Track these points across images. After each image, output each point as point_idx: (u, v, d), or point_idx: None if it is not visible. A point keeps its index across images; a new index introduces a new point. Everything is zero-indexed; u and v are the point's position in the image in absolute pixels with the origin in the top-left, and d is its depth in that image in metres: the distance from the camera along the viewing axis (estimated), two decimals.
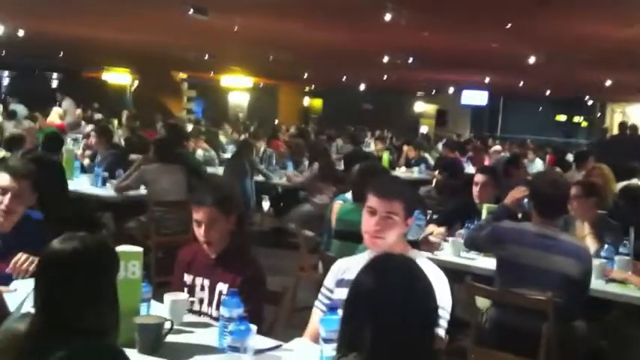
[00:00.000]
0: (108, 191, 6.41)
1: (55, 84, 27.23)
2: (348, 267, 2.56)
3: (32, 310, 1.87)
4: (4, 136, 8.53)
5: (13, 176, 3.00)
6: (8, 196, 2.97)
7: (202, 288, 2.88)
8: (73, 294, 1.79)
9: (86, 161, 7.64)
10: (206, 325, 2.69)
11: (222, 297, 2.72)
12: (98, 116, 14.67)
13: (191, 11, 9.03)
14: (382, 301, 1.63)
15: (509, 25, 8.71)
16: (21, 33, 12.78)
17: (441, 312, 2.22)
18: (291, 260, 6.62)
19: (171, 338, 2.46)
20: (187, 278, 2.94)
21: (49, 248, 1.85)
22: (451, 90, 23.57)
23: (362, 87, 24.18)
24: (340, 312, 1.96)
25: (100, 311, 1.82)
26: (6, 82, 27.45)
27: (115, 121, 14.41)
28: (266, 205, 9.34)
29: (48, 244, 1.86)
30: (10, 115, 11.84)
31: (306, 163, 9.21)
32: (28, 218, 3.15)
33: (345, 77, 21.34)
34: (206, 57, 15.87)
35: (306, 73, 20.82)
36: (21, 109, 13.23)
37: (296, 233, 7.75)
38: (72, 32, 13.20)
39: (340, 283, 2.54)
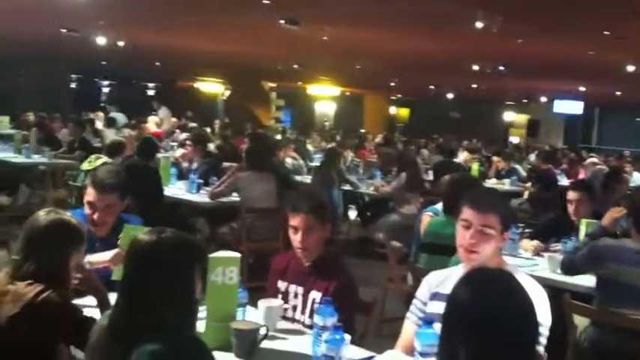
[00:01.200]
0: (202, 198, 6.61)
1: (151, 93, 28.34)
2: (443, 280, 2.53)
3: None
4: (105, 143, 8.97)
5: (99, 192, 3.12)
6: (97, 209, 3.12)
7: (296, 295, 2.93)
8: (151, 284, 1.84)
9: (185, 165, 7.89)
10: (300, 333, 2.73)
11: (315, 305, 2.75)
12: (192, 125, 15.16)
13: (282, 22, 9.23)
14: (479, 317, 1.59)
15: (607, 32, 8.38)
16: (121, 44, 13.44)
17: (541, 329, 2.16)
18: (379, 270, 6.60)
19: (265, 344, 2.51)
20: (281, 285, 2.99)
21: (133, 241, 1.93)
22: (543, 99, 22.87)
23: (450, 95, 23.86)
24: (437, 326, 1.95)
25: (177, 304, 1.86)
26: (106, 91, 28.82)
27: (208, 130, 14.83)
28: (353, 214, 9.35)
29: (133, 238, 1.94)
30: (110, 123, 12.43)
31: (395, 172, 9.16)
32: (126, 221, 3.26)
33: (432, 86, 21.13)
34: (295, 67, 16.12)
35: (393, 82, 20.76)
36: (120, 117, 13.88)
37: (383, 243, 7.77)
38: (168, 43, 13.75)
39: (435, 297, 2.51)
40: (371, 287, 4.65)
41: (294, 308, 2.91)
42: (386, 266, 5.36)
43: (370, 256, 7.60)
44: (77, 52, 16.21)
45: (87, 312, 2.39)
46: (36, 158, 9.07)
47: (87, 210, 3.15)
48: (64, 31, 11.62)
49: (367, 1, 7.86)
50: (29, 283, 2.25)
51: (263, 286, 3.16)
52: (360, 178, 9.11)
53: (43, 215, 2.42)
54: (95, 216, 3.11)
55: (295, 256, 2.95)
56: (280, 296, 2.95)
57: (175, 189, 6.95)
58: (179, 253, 1.91)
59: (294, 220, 2.89)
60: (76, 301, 2.50)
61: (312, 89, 23.48)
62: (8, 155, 9.10)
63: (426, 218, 4.51)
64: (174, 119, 15.39)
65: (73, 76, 22.14)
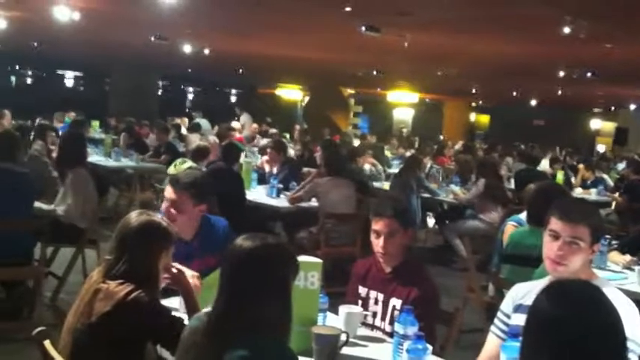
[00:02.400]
0: (281, 202, 6.71)
1: (233, 99, 29.02)
2: (528, 292, 2.46)
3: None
4: (190, 148, 9.24)
5: (171, 186, 3.23)
6: (169, 205, 3.21)
7: (376, 302, 2.92)
8: (249, 289, 1.87)
9: (267, 168, 8.04)
10: (380, 340, 2.72)
11: (396, 312, 2.74)
12: (272, 130, 15.40)
13: (363, 29, 9.24)
14: (561, 330, 1.54)
15: None
16: (206, 51, 13.82)
17: (630, 345, 2.06)
18: (456, 279, 6.50)
19: (345, 350, 2.51)
20: (362, 291, 2.99)
21: (232, 244, 1.96)
22: (633, 106, 21.89)
23: (533, 102, 23.20)
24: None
25: (275, 309, 1.88)
26: (190, 97, 29.73)
27: (287, 136, 15.05)
28: (431, 222, 9.25)
29: (232, 243, 1.97)
30: (194, 128, 12.79)
31: (474, 180, 9.00)
32: (212, 225, 3.37)
33: (515, 92, 20.61)
34: (374, 73, 16.10)
35: (474, 88, 20.39)
36: (204, 123, 14.26)
37: (457, 247, 7.63)
38: (251, 50, 14.05)
39: (518, 309, 2.45)
40: (449, 296, 4.58)
41: (374, 315, 2.90)
42: (464, 275, 5.27)
43: (448, 264, 7.50)
44: (165, 59, 16.80)
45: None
46: (124, 162, 9.45)
47: (164, 205, 3.26)
48: (154, 39, 12.06)
49: (450, 6, 7.76)
50: (120, 282, 2.33)
51: (341, 291, 3.17)
52: (439, 185, 9.00)
53: (134, 217, 2.50)
54: (170, 210, 3.20)
55: (376, 261, 2.94)
56: (360, 302, 2.95)
57: (256, 193, 7.08)
58: (277, 259, 1.93)
59: (377, 225, 2.88)
60: (163, 302, 2.58)
61: (391, 95, 23.37)
62: (99, 159, 9.53)
63: (510, 228, 4.41)
64: (255, 125, 15.67)
65: (160, 82, 22.92)
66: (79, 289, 2.55)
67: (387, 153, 13.08)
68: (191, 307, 2.53)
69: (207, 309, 2.00)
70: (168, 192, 3.23)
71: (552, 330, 1.55)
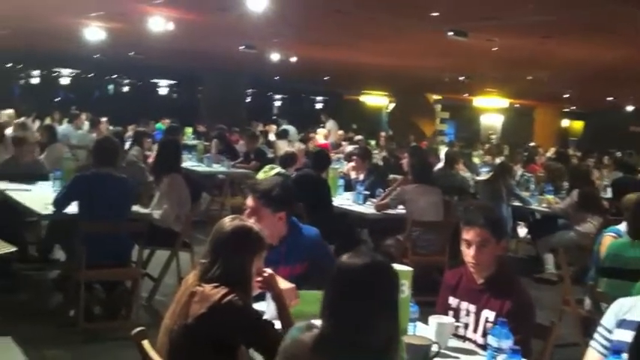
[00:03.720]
0: (368, 209, 6.70)
1: (319, 106, 29.30)
2: (631, 307, 2.35)
3: (315, 322, 1.97)
4: (278, 154, 9.40)
5: (251, 195, 3.27)
6: (249, 212, 3.24)
7: (467, 313, 2.86)
8: (361, 308, 1.86)
9: (352, 175, 8.07)
10: (471, 352, 2.66)
11: (488, 324, 2.68)
12: (357, 137, 15.43)
13: (450, 34, 9.12)
14: None
15: None
16: (293, 59, 14.04)
17: None
18: (548, 291, 6.29)
19: None
20: (452, 301, 2.94)
21: (339, 263, 1.94)
22: None
23: (629, 108, 22.18)
24: (625, 356, 1.82)
25: (384, 328, 1.87)
26: (277, 104, 30.26)
27: (373, 142, 15.03)
28: (522, 231, 8.98)
29: (338, 259, 1.95)
30: (282, 135, 13.01)
31: (567, 188, 8.68)
32: (301, 233, 3.40)
33: (611, 97, 19.76)
34: (461, 78, 15.87)
35: (567, 93, 19.71)
36: (291, 130, 14.48)
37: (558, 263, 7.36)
38: (337, 58, 14.16)
39: (621, 324, 2.34)
40: (542, 309, 4.44)
41: (466, 326, 2.85)
42: (557, 287, 5.09)
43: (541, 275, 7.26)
44: (253, 67, 17.20)
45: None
46: (216, 167, 9.74)
47: (246, 212, 3.30)
48: (243, 48, 12.37)
49: (540, 9, 7.55)
50: (215, 285, 2.39)
51: (427, 300, 3.12)
52: (530, 193, 8.73)
53: (228, 222, 2.56)
54: (246, 215, 3.23)
55: (467, 272, 2.88)
56: (451, 313, 2.90)
57: (342, 199, 7.11)
58: (387, 276, 1.92)
59: (468, 234, 2.82)
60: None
61: (479, 101, 22.93)
62: (192, 164, 9.85)
63: (608, 240, 4.23)
64: (340, 132, 15.76)
65: (248, 90, 23.44)
66: (173, 290, 2.64)
67: (475, 160, 12.82)
68: (283, 314, 2.56)
69: (309, 321, 2.00)
70: (248, 199, 3.29)
71: None
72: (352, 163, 8.47)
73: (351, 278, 1.89)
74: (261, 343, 2.35)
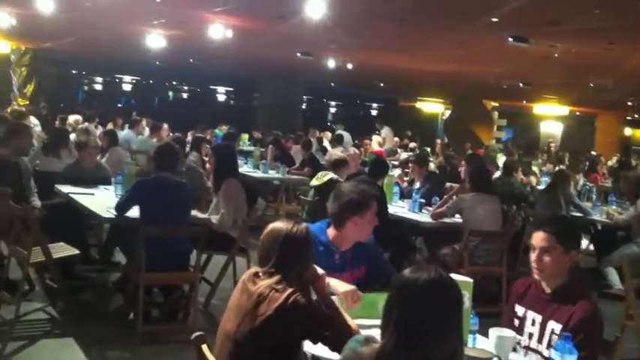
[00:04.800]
0: (423, 217, 6.62)
1: (374, 113, 29.24)
2: None
3: (375, 335, 1.96)
4: (329, 160, 9.40)
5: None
6: None
7: (533, 323, 2.79)
8: (426, 324, 1.83)
9: (405, 185, 8.01)
10: None
11: (554, 336, 2.61)
12: (413, 144, 15.33)
13: (511, 40, 8.96)
14: None
15: None
16: (349, 66, 14.06)
17: None
18: (611, 305, 6.07)
19: None
20: (519, 310, 2.88)
21: (402, 277, 1.92)
22: None
23: None
24: None
25: (448, 343, 1.84)
26: (332, 110, 30.35)
27: (428, 149, 14.90)
28: (583, 243, 8.71)
29: (400, 274, 1.93)
30: (337, 141, 13.02)
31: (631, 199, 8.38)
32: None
33: None
34: (520, 85, 15.58)
35: (631, 100, 19.08)
36: (346, 136, 14.48)
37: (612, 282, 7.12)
38: (393, 64, 14.10)
39: None
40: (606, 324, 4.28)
41: (530, 336, 2.78)
42: (620, 301, 4.92)
43: (603, 288, 7.03)
44: (309, 74, 17.31)
45: None
46: (271, 174, 9.83)
47: None
48: (299, 55, 12.45)
49: (606, 15, 7.33)
50: (277, 287, 2.43)
51: (485, 312, 3.06)
52: (592, 203, 8.48)
53: (280, 225, 2.61)
54: None
55: (536, 280, 2.83)
56: (517, 321, 2.85)
57: (397, 207, 7.06)
58: (452, 291, 1.91)
59: (534, 239, 2.79)
60: None
61: (538, 108, 22.43)
62: (248, 170, 9.97)
63: None
64: (395, 138, 15.67)
65: (304, 97, 23.60)
66: (229, 295, 2.67)
67: (534, 168, 12.54)
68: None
69: (368, 334, 2.01)
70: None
71: None
72: (398, 171, 8.38)
73: (416, 294, 1.86)
74: (329, 337, 2.42)
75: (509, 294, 3.00)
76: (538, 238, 2.76)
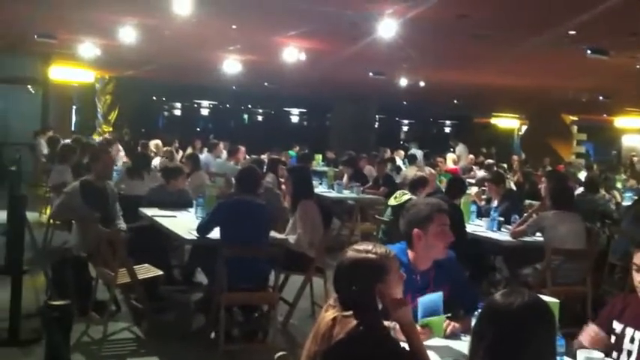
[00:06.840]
0: (502, 236, 6.49)
1: (447, 130, 28.89)
2: None
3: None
4: (407, 179, 9.33)
5: None
6: None
7: (632, 340, 2.69)
8: (521, 350, 1.79)
9: (482, 203, 7.87)
10: None
11: None
12: (489, 161, 15.04)
13: (589, 52, 8.73)
14: None
15: None
16: (421, 84, 13.99)
17: None
18: None
19: None
20: (617, 326, 2.78)
21: (493, 303, 1.87)
22: None
23: None
24: None
25: None
26: (405, 129, 30.18)
27: (505, 166, 14.58)
28: None
29: (491, 299, 1.89)
30: (411, 160, 12.95)
31: None
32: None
33: None
34: (600, 98, 15.08)
35: None
36: (419, 154, 14.37)
37: None
38: (468, 80, 13.93)
39: None
40: None
41: (629, 354, 2.68)
42: None
43: None
44: (381, 93, 17.32)
45: None
46: (346, 193, 9.85)
47: None
48: (372, 74, 12.50)
49: None
50: (351, 312, 2.42)
51: (570, 333, 2.96)
52: None
53: (348, 254, 2.49)
54: None
55: (638, 298, 2.73)
56: (614, 338, 2.75)
57: (475, 226, 6.94)
58: (546, 316, 1.86)
59: (637, 257, 2.71)
60: None
61: (620, 122, 21.60)
62: (322, 190, 10.04)
63: None
64: (471, 156, 15.43)
65: (376, 115, 23.60)
66: (307, 314, 2.69)
67: (618, 184, 12.06)
68: (412, 343, 2.52)
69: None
70: None
71: None
72: (475, 189, 8.23)
73: (510, 319, 1.81)
74: None
75: (606, 307, 2.91)
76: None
